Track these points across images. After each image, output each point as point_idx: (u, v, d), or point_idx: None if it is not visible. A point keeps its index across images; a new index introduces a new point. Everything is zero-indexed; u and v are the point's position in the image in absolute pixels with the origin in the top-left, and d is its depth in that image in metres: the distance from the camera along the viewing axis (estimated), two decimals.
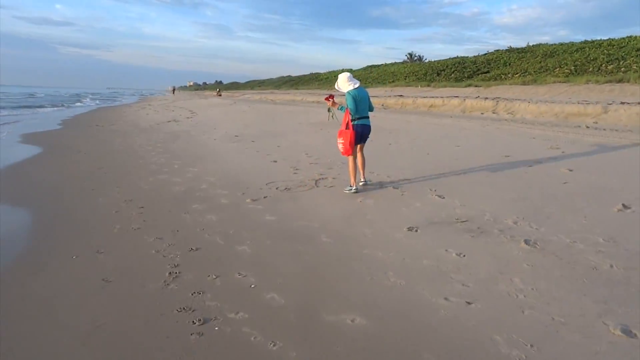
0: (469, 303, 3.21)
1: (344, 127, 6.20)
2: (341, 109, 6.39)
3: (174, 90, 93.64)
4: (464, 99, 22.85)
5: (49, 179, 7.82)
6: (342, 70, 68.38)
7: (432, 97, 26.28)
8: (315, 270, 3.89)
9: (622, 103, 16.14)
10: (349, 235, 4.70)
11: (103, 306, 3.38)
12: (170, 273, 3.89)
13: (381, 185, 6.65)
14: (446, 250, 4.15)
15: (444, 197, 5.83)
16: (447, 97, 24.98)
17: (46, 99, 50.83)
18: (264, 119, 19.86)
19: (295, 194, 6.47)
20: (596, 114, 15.79)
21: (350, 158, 6.31)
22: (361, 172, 6.56)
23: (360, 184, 6.47)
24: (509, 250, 4.09)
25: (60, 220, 5.48)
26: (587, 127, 13.22)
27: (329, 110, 6.73)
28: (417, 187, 6.41)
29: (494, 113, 19.67)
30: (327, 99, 6.56)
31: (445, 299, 3.29)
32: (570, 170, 6.89)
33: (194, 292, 3.52)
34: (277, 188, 6.79)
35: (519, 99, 20.62)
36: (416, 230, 4.70)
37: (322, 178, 7.24)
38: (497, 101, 20.77)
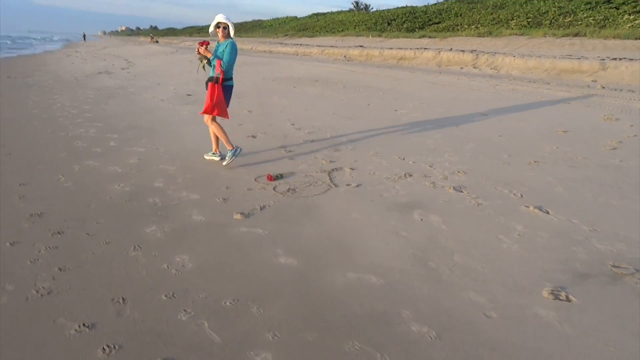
0: None
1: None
2: (213, 60, 4.95)
3: (84, 36, 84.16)
4: (439, 52, 20.82)
5: None
6: (287, 18, 64.12)
7: (400, 48, 24.05)
8: None
9: (617, 59, 14.77)
10: (455, 313, 2.55)
11: None
12: None
13: (433, 184, 4.52)
14: None
15: (548, 212, 3.80)
16: (418, 48, 22.89)
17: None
18: None
19: (306, 200, 4.22)
20: (593, 71, 14.30)
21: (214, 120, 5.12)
22: (215, 143, 5.45)
23: (216, 158, 5.41)
24: None
25: None
26: (603, 87, 11.65)
27: (200, 60, 5.23)
28: (488, 190, 4.34)
29: (474, 68, 17.83)
30: (201, 44, 5.10)
31: None
32: None
33: None
34: (274, 188, 4.50)
35: (500, 53, 18.88)
36: (567, 299, 2.64)
37: (336, 169, 5.01)
38: (477, 54, 18.90)
